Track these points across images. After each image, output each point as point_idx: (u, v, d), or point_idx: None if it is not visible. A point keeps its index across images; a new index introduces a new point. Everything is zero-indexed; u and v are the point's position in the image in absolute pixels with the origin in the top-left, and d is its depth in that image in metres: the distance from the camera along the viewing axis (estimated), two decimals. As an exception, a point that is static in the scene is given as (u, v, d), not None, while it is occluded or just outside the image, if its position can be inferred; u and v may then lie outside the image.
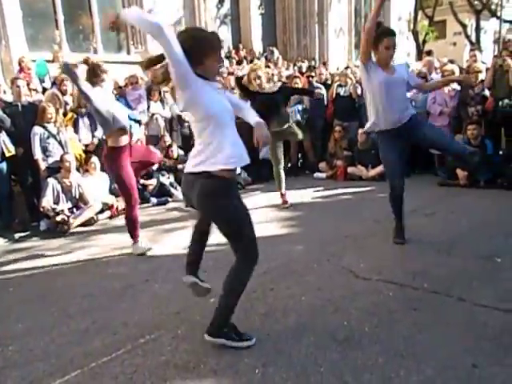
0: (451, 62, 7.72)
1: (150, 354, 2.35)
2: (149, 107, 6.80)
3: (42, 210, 4.97)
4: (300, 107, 7.39)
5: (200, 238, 2.54)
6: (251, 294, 2.88)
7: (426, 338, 2.33)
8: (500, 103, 5.75)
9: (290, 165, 8.01)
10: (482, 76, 5.99)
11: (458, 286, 2.92)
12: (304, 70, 9.76)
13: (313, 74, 8.06)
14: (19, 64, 6.82)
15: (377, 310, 2.67)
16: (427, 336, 2.35)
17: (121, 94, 6.65)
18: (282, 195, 5.38)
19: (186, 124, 7.29)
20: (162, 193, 6.21)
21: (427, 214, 4.55)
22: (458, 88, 6.15)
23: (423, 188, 5.73)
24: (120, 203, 5.59)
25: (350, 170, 6.91)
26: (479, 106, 5.86)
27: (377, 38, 3.30)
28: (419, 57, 14.09)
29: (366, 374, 2.05)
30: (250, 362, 2.21)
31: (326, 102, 7.57)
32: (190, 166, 2.22)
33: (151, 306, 2.89)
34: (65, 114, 5.71)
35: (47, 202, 4.95)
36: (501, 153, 5.93)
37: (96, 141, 6.00)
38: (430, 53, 9.40)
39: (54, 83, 6.51)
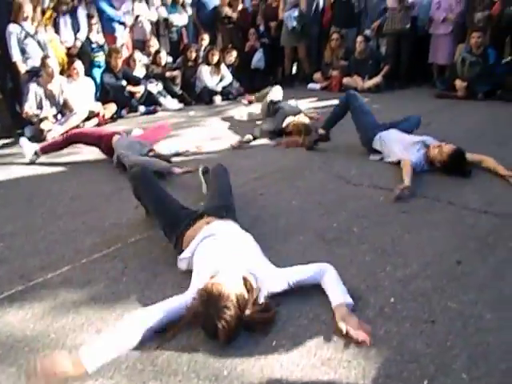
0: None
1: (140, 251, 2.36)
2: (133, 8, 6.31)
3: (24, 116, 4.78)
4: (296, 13, 6.91)
5: None
6: (242, 198, 2.86)
7: (414, 239, 2.37)
8: (508, 7, 5.38)
9: (283, 76, 7.73)
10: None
11: (448, 191, 2.93)
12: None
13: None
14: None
15: (366, 213, 2.69)
16: (415, 236, 2.39)
17: (103, -8, 6.12)
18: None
19: (174, 29, 6.87)
20: (150, 101, 5.97)
21: (422, 124, 4.45)
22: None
23: (420, 99, 5.58)
24: (107, 111, 5.41)
25: (345, 80, 6.65)
26: (487, 11, 5.49)
27: None
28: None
29: (353, 269, 2.10)
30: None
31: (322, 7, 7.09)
32: None
33: (141, 208, 2.85)
34: (43, 13, 5.28)
35: (29, 107, 4.74)
36: (504, 61, 5.67)
37: (79, 43, 5.64)
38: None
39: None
